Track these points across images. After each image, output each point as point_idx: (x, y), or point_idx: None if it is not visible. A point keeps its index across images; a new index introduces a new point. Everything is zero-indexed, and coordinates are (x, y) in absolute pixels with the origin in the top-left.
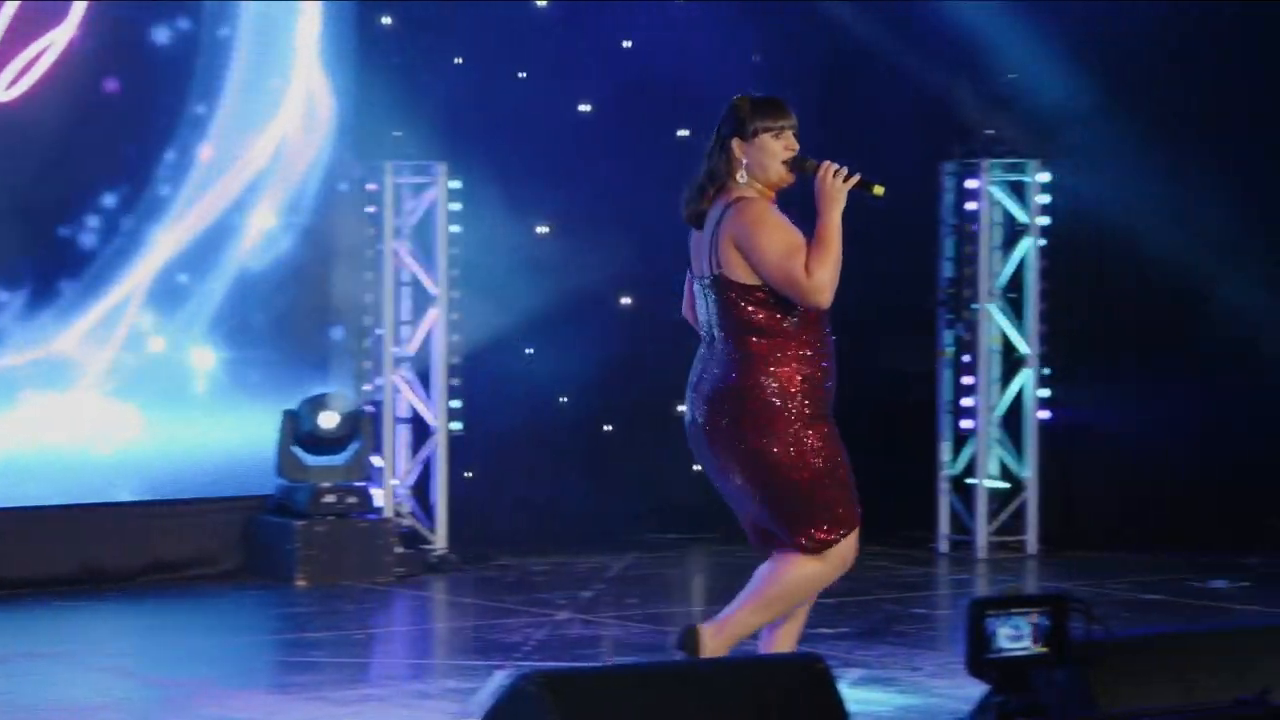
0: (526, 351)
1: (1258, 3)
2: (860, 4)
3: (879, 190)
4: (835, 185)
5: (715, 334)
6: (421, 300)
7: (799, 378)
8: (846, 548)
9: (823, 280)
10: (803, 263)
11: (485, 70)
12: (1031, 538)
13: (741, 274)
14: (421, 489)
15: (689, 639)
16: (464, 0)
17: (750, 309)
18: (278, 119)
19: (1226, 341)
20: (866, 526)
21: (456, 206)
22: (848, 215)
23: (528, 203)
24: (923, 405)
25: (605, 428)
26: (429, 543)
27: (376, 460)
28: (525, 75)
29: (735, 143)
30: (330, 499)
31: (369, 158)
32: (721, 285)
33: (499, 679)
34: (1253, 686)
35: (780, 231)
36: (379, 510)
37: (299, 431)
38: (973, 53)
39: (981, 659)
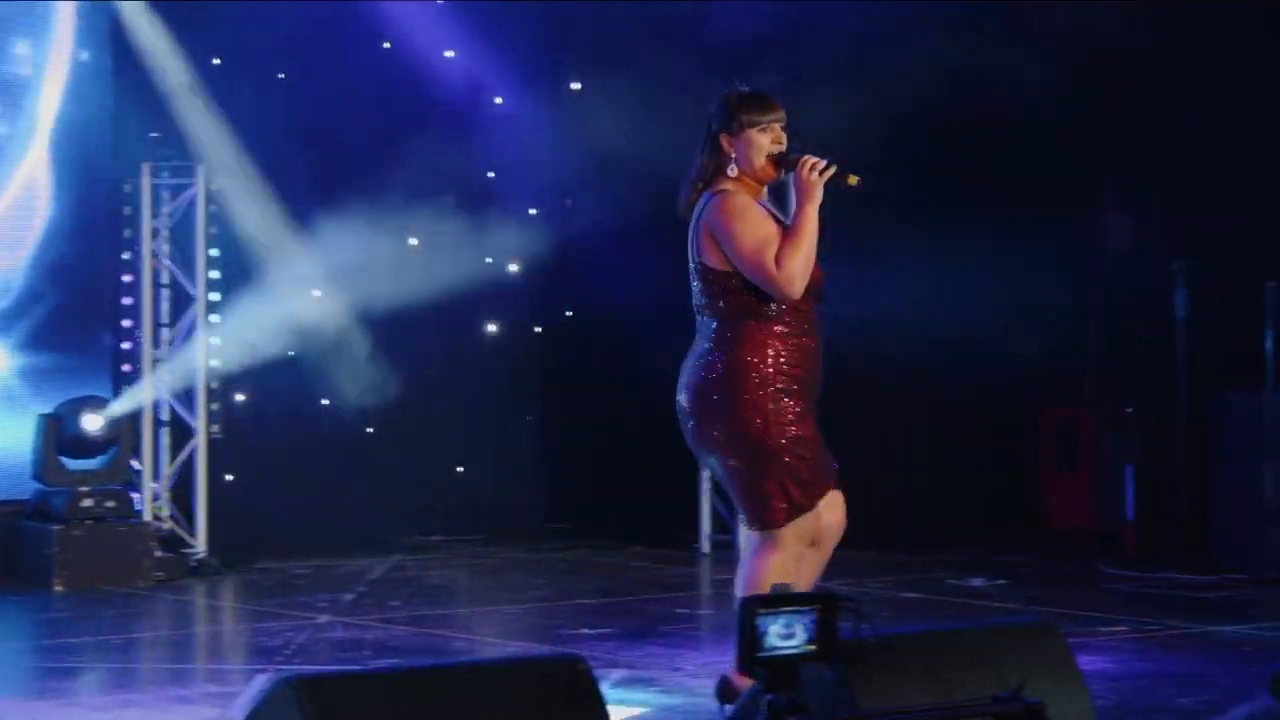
0: (288, 354)
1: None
2: (618, 3)
3: (854, 180)
4: (812, 179)
5: (703, 317)
6: (181, 302)
7: (780, 359)
8: (813, 521)
9: (793, 272)
10: (774, 255)
11: (244, 71)
12: None
13: (720, 262)
14: (182, 492)
15: (726, 690)
16: (222, 0)
17: (731, 294)
18: (38, 130)
19: (962, 342)
20: (629, 528)
21: (214, 208)
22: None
23: (290, 203)
24: None
25: (367, 430)
26: (189, 546)
27: (136, 463)
28: (284, 76)
29: (724, 137)
30: (88, 503)
31: (126, 158)
32: (703, 273)
33: (259, 682)
34: (1010, 683)
35: (753, 224)
36: (138, 514)
37: (62, 435)
38: (731, 62)
39: (753, 657)
